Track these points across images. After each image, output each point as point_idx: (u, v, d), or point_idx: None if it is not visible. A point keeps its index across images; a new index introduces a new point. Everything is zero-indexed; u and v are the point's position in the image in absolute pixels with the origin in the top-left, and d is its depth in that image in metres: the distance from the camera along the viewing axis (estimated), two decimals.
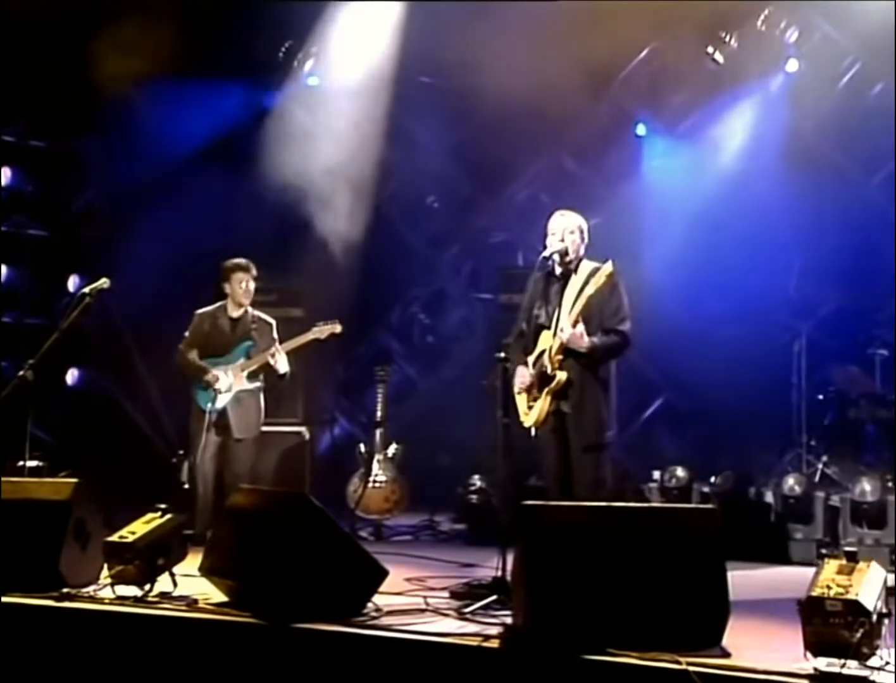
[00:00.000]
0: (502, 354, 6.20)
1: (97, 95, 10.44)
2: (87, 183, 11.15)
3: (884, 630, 4.57)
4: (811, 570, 7.04)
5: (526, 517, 5.12)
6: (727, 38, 10.63)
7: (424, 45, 10.95)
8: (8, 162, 10.42)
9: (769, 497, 8.12)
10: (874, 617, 4.49)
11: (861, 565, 4.68)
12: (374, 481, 8.99)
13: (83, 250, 11.08)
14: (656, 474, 8.46)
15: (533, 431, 6.39)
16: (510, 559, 5.85)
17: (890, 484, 7.98)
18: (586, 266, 6.37)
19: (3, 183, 10.31)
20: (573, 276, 6.37)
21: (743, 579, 5.37)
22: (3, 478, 6.38)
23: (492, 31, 10.24)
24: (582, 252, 6.48)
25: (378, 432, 9.18)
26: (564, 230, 6.44)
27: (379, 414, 9.24)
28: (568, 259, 6.42)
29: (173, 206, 10.55)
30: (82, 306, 7.28)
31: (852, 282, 9.71)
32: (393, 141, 11.24)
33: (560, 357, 6.26)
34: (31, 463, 9.92)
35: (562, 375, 6.25)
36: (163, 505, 6.15)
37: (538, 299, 6.47)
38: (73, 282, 10.75)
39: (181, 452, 9.23)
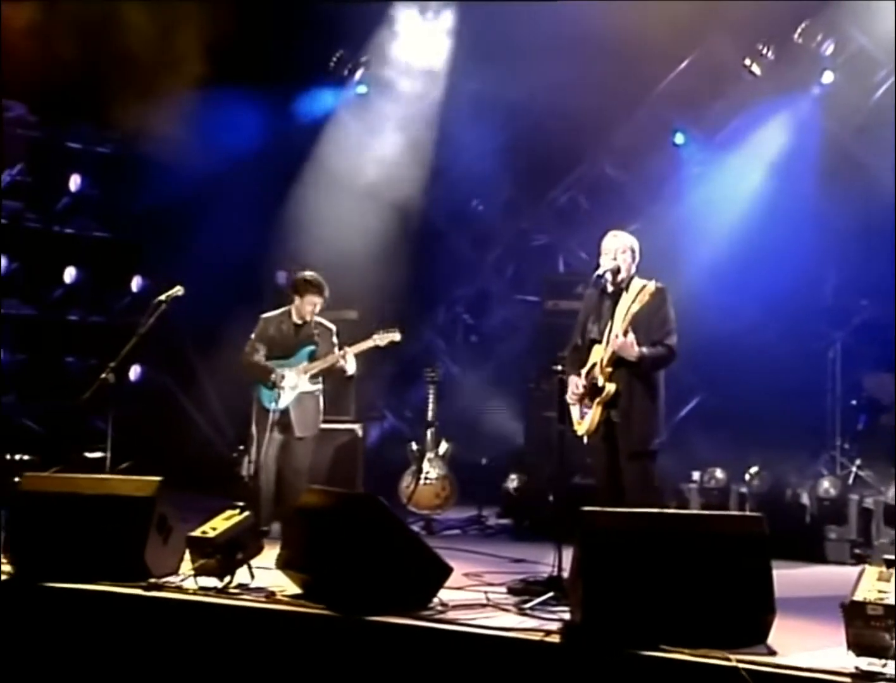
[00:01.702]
0: (559, 366, 6.53)
1: (158, 100, 10.83)
2: (148, 186, 11.51)
3: None
4: (845, 569, 7.48)
5: (583, 521, 5.46)
6: (765, 51, 10.86)
7: (471, 52, 11.29)
8: (75, 168, 10.80)
9: (805, 498, 8.38)
10: None
11: None
12: (426, 478, 9.33)
13: (143, 251, 11.50)
14: (696, 475, 8.73)
15: (585, 439, 6.71)
16: (558, 556, 6.25)
17: None
18: (637, 284, 6.67)
19: (73, 189, 10.68)
20: (624, 294, 6.68)
21: (781, 578, 5.65)
22: (92, 476, 6.79)
23: (536, 40, 10.54)
24: (633, 271, 6.78)
25: (429, 431, 9.50)
26: (616, 250, 6.74)
27: (430, 414, 9.56)
28: (619, 277, 6.72)
29: (228, 209, 10.93)
30: (159, 312, 7.71)
31: (886, 291, 9.91)
32: (440, 146, 11.59)
33: (610, 369, 6.56)
34: (94, 455, 10.41)
35: (611, 387, 6.56)
36: (240, 504, 6.53)
37: (591, 315, 6.79)
38: (136, 283, 11.14)
39: (241, 448, 9.62)
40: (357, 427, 9.81)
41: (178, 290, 7.86)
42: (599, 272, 6.72)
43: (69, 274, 10.62)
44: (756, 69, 10.93)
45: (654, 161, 11.53)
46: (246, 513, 6.45)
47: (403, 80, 11.81)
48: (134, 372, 10.68)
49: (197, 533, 6.38)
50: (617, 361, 6.57)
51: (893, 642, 4.77)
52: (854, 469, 9.12)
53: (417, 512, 9.33)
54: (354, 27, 11.55)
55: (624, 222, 11.49)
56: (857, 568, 7.35)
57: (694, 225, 10.76)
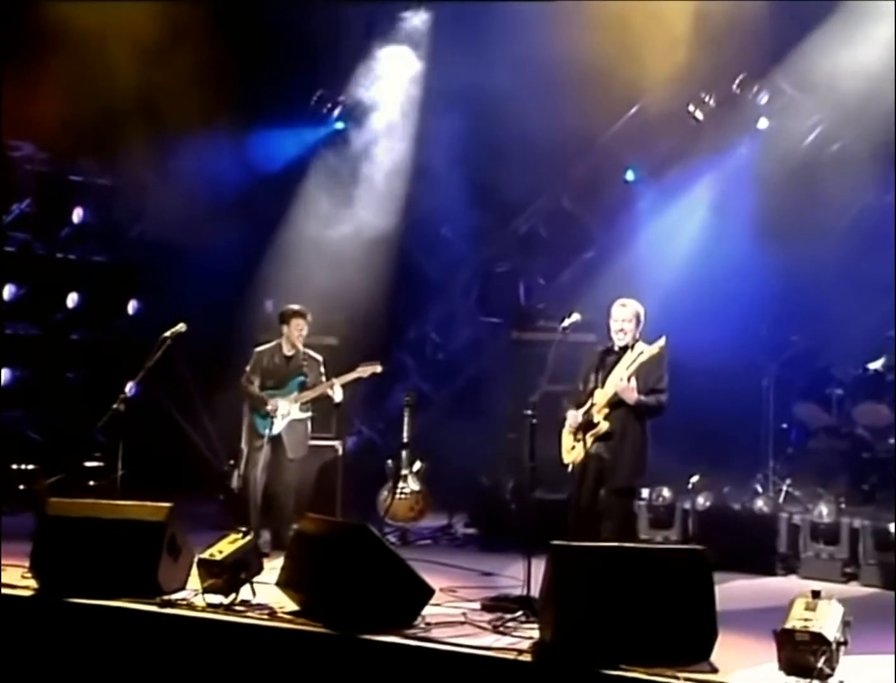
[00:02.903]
0: (529, 411, 6.98)
1: (154, 138, 11.13)
2: (143, 216, 11.82)
3: (841, 655, 5.43)
4: (776, 580, 8.02)
5: (555, 555, 5.93)
6: (706, 99, 11.39)
7: (442, 94, 11.69)
8: (77, 200, 11.10)
9: (741, 515, 8.86)
10: (833, 646, 5.36)
11: (824, 602, 5.52)
12: (402, 493, 9.73)
13: (138, 276, 11.82)
14: (644, 492, 9.14)
15: (570, 467, 7.22)
16: (522, 572, 6.74)
17: (843, 507, 8.83)
18: (641, 345, 7.18)
19: (75, 220, 10.99)
20: (629, 351, 7.18)
21: (722, 591, 6.06)
22: (110, 501, 7.16)
23: (503, 81, 10.93)
24: (638, 335, 7.24)
25: (404, 451, 9.87)
26: (624, 320, 7.20)
27: (406, 435, 9.90)
28: (624, 342, 7.19)
29: (219, 239, 11.23)
30: (164, 348, 8.08)
31: (813, 328, 10.43)
32: (413, 178, 11.98)
33: (606, 410, 7.09)
34: (92, 464, 10.72)
35: (604, 424, 7.09)
36: (244, 528, 6.94)
37: (593, 367, 7.28)
38: (132, 305, 11.47)
39: (231, 462, 9.98)
40: (338, 444, 10.20)
41: (181, 327, 8.23)
42: (566, 324, 7.24)
43: (71, 297, 10.93)
44: (699, 115, 11.44)
45: (607, 196, 11.98)
46: (249, 537, 6.85)
47: (379, 115, 12.16)
48: (129, 388, 10.93)
49: (205, 555, 6.77)
50: (615, 404, 7.06)
51: (818, 664, 5.29)
52: (785, 487, 9.63)
53: (393, 523, 9.74)
54: (335, 67, 11.93)
55: (579, 251, 12.22)
56: (786, 578, 8.04)
57: (644, 256, 11.19)
